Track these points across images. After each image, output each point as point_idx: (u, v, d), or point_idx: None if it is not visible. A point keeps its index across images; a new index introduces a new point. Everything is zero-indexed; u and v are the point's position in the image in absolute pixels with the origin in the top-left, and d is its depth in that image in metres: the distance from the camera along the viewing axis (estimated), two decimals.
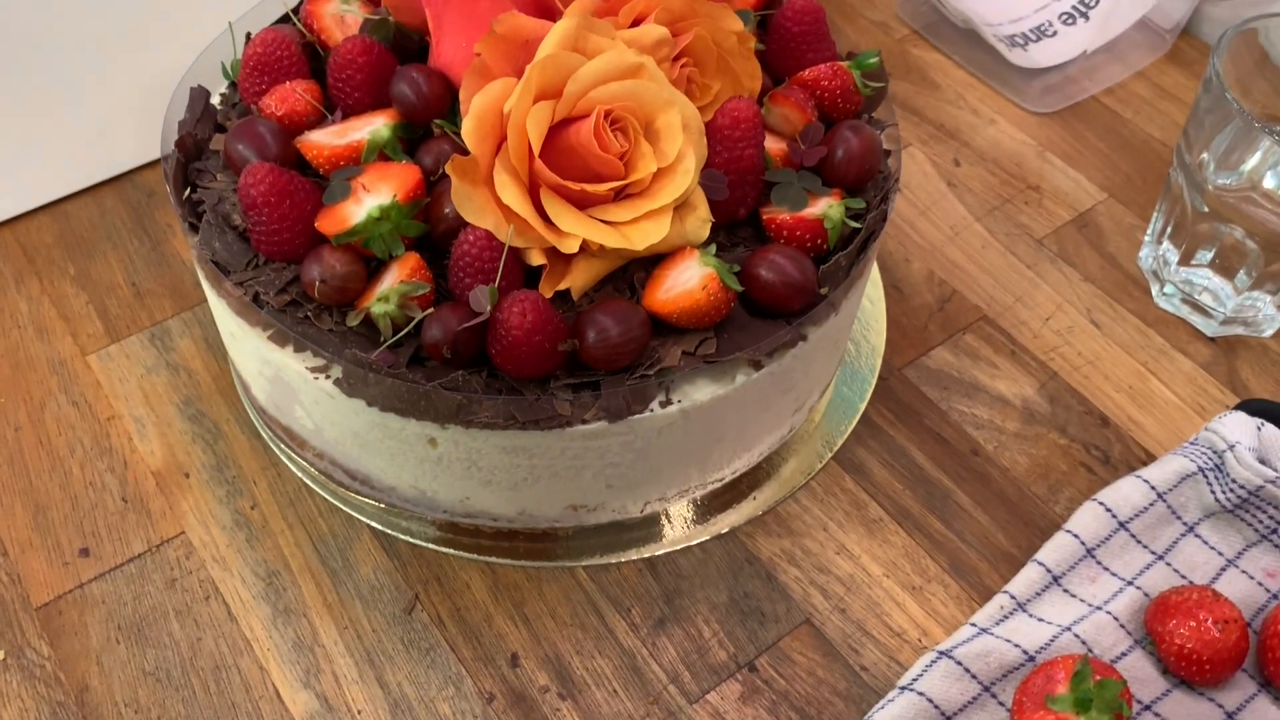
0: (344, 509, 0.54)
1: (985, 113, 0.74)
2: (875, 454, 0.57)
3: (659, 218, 0.47)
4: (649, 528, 0.53)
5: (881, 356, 0.61)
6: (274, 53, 0.52)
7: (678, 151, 0.47)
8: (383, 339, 0.45)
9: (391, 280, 0.46)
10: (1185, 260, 0.63)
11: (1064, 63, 0.76)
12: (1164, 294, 0.64)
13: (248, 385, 0.55)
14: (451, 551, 0.53)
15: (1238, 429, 0.53)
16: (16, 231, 0.66)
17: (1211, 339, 0.63)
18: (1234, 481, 0.52)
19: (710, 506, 0.54)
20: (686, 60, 0.51)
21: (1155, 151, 0.72)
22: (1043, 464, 0.57)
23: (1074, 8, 0.78)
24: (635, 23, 0.50)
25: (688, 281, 0.47)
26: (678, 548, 0.54)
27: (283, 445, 0.56)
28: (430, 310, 0.45)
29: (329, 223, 0.46)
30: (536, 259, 0.47)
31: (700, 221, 0.48)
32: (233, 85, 0.55)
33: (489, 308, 0.44)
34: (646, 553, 0.53)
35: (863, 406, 0.59)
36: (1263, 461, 0.53)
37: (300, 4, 0.56)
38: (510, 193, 0.45)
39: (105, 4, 0.62)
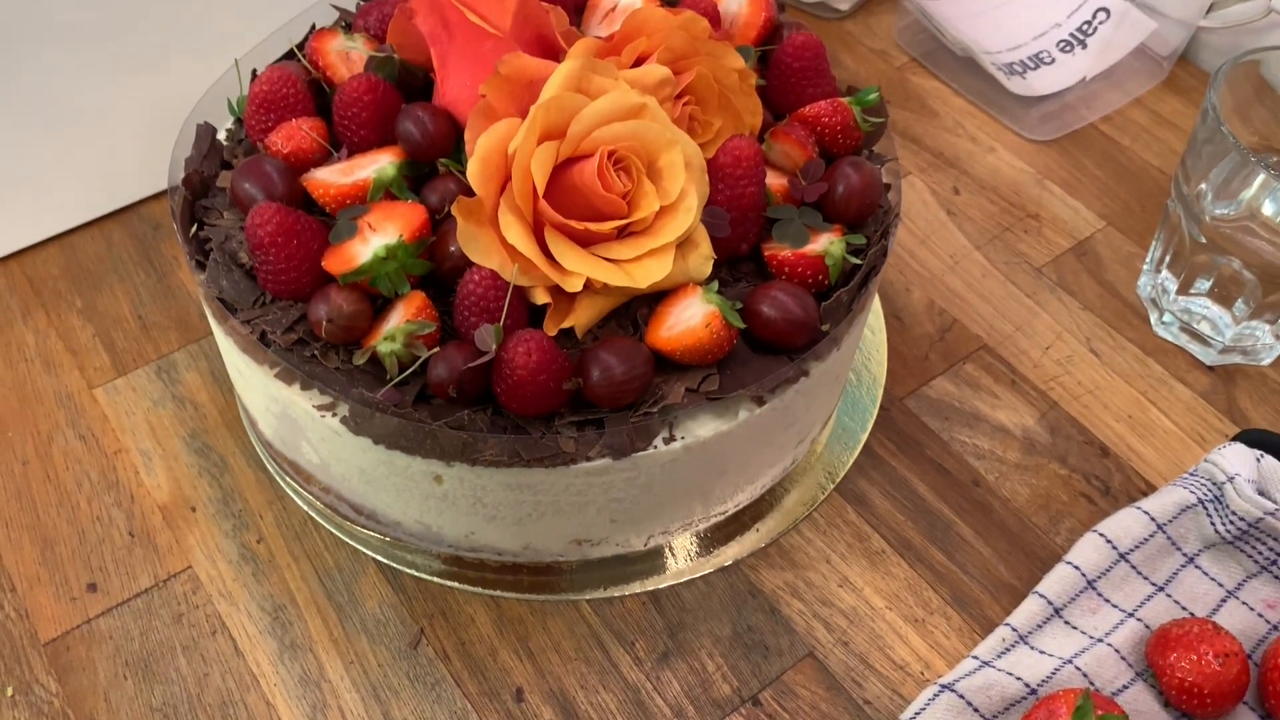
0: (350, 543, 0.55)
1: (984, 140, 0.75)
2: (877, 485, 0.58)
3: (662, 255, 0.47)
4: (652, 560, 0.54)
5: (883, 387, 0.61)
6: (280, 90, 0.53)
7: (680, 190, 0.48)
8: (389, 377, 0.46)
9: (398, 319, 0.46)
10: (1184, 289, 0.63)
11: (1062, 90, 0.76)
12: (1163, 323, 0.65)
13: (254, 420, 0.56)
14: (457, 585, 0.53)
15: (1237, 461, 0.54)
16: (23, 264, 0.66)
17: (1210, 368, 0.63)
18: (1233, 513, 0.53)
19: (713, 539, 0.55)
20: (689, 98, 0.51)
21: (1153, 179, 0.73)
22: (1043, 495, 0.58)
23: (1072, 35, 0.79)
24: (638, 62, 0.51)
25: (691, 319, 0.47)
26: (681, 580, 0.54)
27: (289, 479, 0.56)
28: (436, 349, 0.45)
29: (335, 262, 0.47)
30: (541, 298, 0.47)
31: (703, 258, 0.49)
32: (239, 121, 0.55)
33: (494, 347, 0.44)
34: (650, 585, 0.54)
35: (864, 437, 0.59)
36: (1262, 493, 0.53)
37: (306, 41, 0.57)
38: (515, 232, 0.46)
39: (112, 39, 0.63)
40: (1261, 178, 0.58)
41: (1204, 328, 0.63)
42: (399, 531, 0.52)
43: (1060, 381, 0.62)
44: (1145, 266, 0.67)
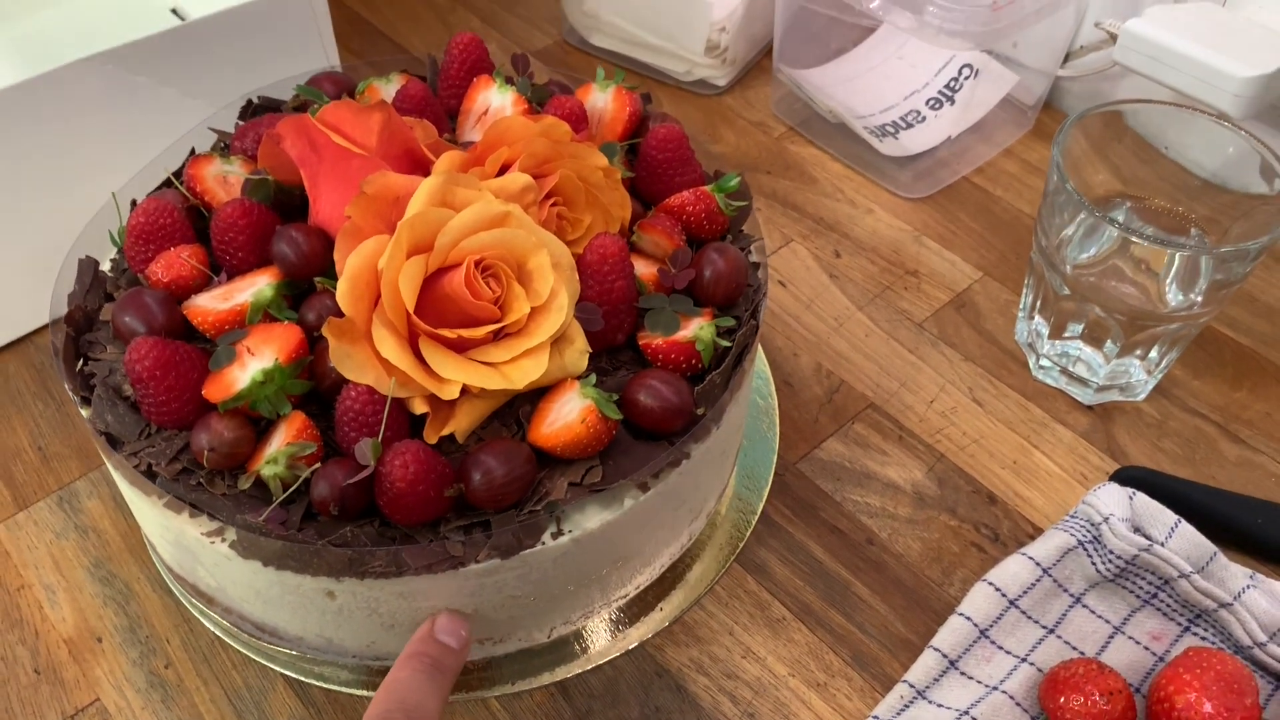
0: (257, 660, 0.55)
1: (862, 203, 0.77)
2: (775, 552, 0.59)
3: (537, 355, 0.49)
4: (558, 651, 0.55)
5: (776, 453, 0.63)
6: (157, 220, 0.54)
7: (550, 290, 0.49)
8: (274, 499, 0.46)
9: (279, 441, 0.47)
10: (1057, 333, 0.66)
11: (933, 147, 0.80)
12: (1041, 367, 0.68)
13: (154, 545, 0.56)
14: (365, 694, 0.54)
15: (1110, 501, 0.56)
16: None
17: (1089, 407, 0.66)
18: (1111, 552, 0.55)
19: (619, 621, 0.56)
20: (556, 199, 0.53)
21: (1025, 226, 0.76)
22: (935, 547, 0.59)
23: (940, 93, 0.82)
24: (503, 170, 0.53)
25: (569, 414, 0.48)
26: (588, 668, 0.55)
27: (193, 601, 0.56)
28: (318, 466, 0.46)
29: (215, 389, 0.48)
30: (420, 407, 0.48)
31: (578, 353, 0.50)
32: (122, 251, 0.56)
33: (373, 461, 0.45)
34: (558, 676, 0.54)
35: (761, 505, 0.61)
36: (1137, 529, 0.56)
37: (183, 167, 0.58)
38: (389, 346, 0.47)
39: None
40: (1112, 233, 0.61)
41: (1080, 369, 0.66)
42: (302, 646, 0.53)
43: (946, 434, 0.64)
44: (1020, 313, 0.69)
